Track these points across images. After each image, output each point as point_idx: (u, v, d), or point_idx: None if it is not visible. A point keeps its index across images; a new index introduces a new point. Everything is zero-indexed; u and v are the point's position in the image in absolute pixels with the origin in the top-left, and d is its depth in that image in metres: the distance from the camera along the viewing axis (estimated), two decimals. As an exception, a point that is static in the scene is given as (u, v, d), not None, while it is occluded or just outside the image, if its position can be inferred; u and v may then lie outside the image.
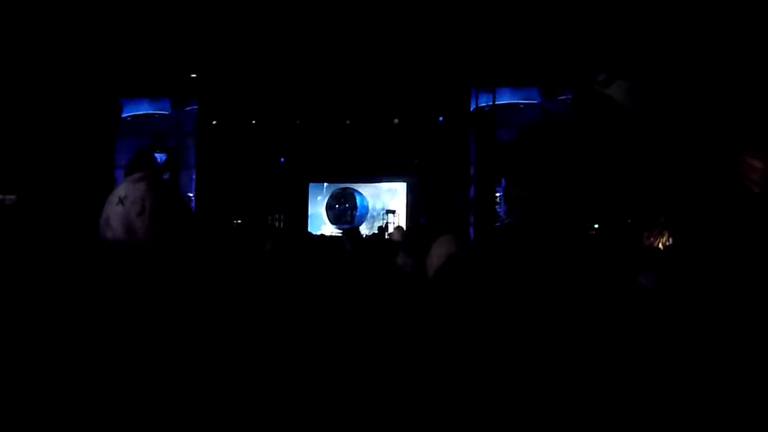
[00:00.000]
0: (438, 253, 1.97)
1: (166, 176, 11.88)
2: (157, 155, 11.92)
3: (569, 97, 10.10)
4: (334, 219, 13.66)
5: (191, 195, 11.78)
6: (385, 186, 13.61)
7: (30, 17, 7.71)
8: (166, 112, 11.95)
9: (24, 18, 7.71)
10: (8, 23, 7.67)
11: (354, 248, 3.34)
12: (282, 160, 12.90)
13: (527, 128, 1.27)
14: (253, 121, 12.02)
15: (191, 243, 1.39)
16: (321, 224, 13.52)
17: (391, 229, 11.62)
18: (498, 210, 9.71)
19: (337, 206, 13.86)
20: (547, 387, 1.05)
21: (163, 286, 1.31)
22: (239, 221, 11.10)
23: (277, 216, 12.76)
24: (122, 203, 1.33)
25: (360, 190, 13.79)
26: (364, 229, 12.94)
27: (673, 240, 3.33)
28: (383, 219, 12.81)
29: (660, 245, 3.65)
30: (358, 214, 13.73)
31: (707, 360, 1.15)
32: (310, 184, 13.79)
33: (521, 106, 10.31)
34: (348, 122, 12.06)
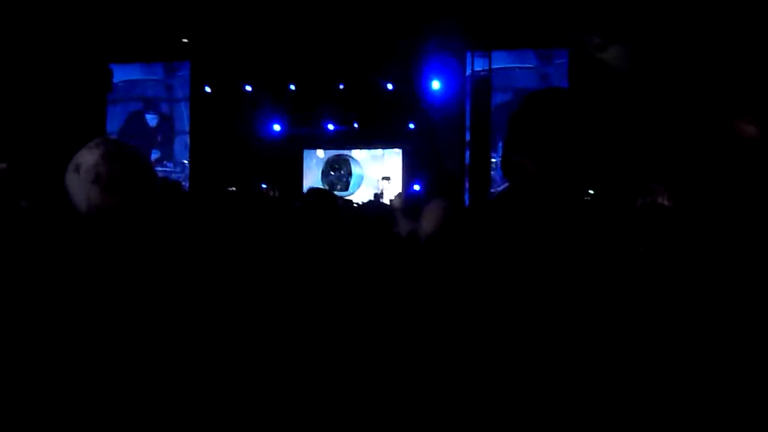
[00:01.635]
0: (429, 218, 1.97)
1: (158, 138, 11.79)
2: (148, 117, 11.79)
3: (565, 61, 10.00)
4: (329, 186, 13.63)
5: (186, 162, 11.69)
6: (380, 152, 13.55)
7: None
8: (158, 78, 11.79)
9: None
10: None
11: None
12: (276, 126, 12.78)
13: (531, 95, 1.25)
14: (247, 87, 11.86)
15: (151, 211, 1.36)
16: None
17: (386, 196, 11.61)
18: (494, 175, 9.69)
19: (332, 173, 13.81)
20: (546, 361, 1.06)
21: (119, 253, 1.29)
22: (233, 188, 11.05)
23: (271, 183, 12.71)
24: (78, 171, 1.30)
25: (355, 156, 13.72)
26: (360, 196, 12.93)
27: (672, 202, 3.33)
28: (379, 186, 12.79)
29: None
30: (353, 180, 13.70)
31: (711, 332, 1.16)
32: (305, 150, 13.72)
33: (517, 70, 10.20)
34: (341, 86, 11.92)
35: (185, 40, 10.83)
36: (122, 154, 1.34)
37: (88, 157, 1.31)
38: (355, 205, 5.13)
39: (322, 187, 13.30)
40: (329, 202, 2.44)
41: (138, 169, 1.36)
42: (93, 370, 1.15)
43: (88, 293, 1.20)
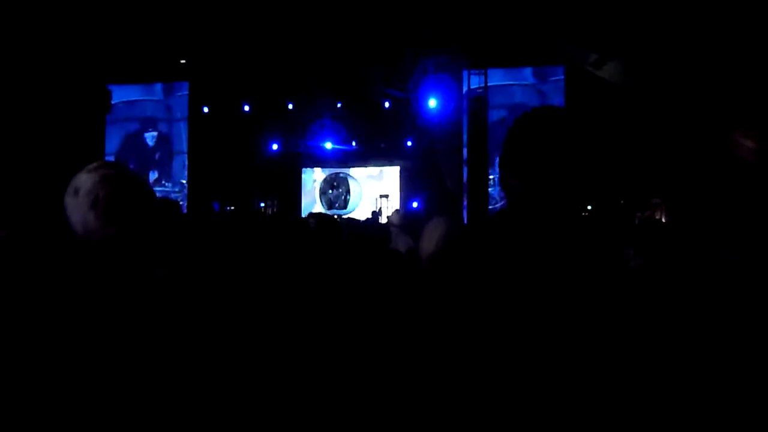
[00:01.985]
0: (431, 236, 1.96)
1: (157, 158, 11.82)
2: (147, 136, 11.83)
3: (562, 77, 10.08)
4: (328, 204, 13.64)
5: (184, 182, 11.71)
6: (378, 170, 13.59)
7: (16, 4, 7.60)
8: (157, 98, 11.86)
9: (10, 5, 7.59)
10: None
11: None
12: (274, 145, 12.82)
13: (522, 117, 1.26)
14: (246, 108, 11.92)
15: (149, 235, 1.34)
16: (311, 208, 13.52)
17: (384, 214, 11.62)
18: (492, 192, 9.70)
19: (330, 191, 13.83)
20: (547, 377, 1.05)
21: (117, 278, 1.27)
22: (232, 207, 11.06)
23: (270, 202, 12.73)
24: (77, 195, 1.28)
25: (353, 174, 13.76)
26: (358, 214, 12.93)
27: (668, 217, 3.34)
28: (377, 203, 12.81)
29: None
30: (351, 198, 13.72)
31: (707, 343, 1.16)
32: (303, 169, 13.76)
33: (514, 86, 10.28)
34: (339, 105, 12.00)
35: (183, 61, 10.90)
36: (122, 179, 1.32)
37: (86, 181, 1.29)
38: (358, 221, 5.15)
39: (320, 205, 13.33)
40: (330, 226, 2.45)
41: (137, 194, 1.33)
42: (81, 401, 1.13)
43: (75, 319, 1.18)
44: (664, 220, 3.92)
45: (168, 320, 1.28)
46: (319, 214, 2.65)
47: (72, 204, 1.28)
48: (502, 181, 1.25)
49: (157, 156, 11.84)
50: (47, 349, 1.14)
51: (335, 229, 2.47)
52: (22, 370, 1.12)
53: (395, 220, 4.93)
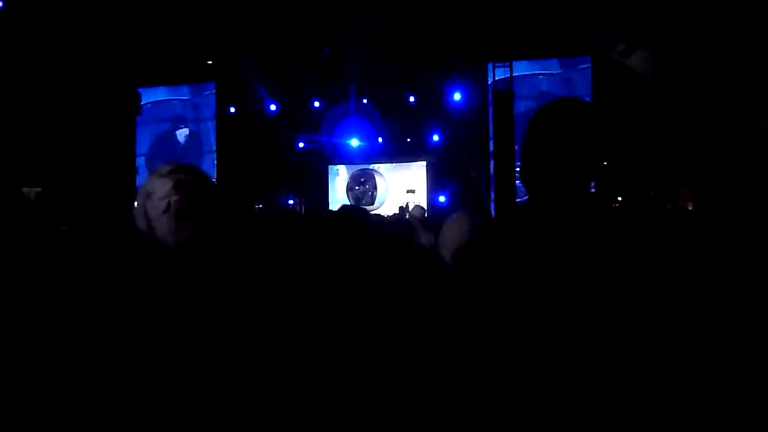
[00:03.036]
0: (451, 232, 1.95)
1: (187, 156, 11.99)
2: (178, 133, 12.01)
3: (589, 65, 9.91)
4: (355, 200, 13.67)
5: (213, 180, 11.85)
6: (404, 165, 13.56)
7: (47, 10, 7.78)
8: (185, 98, 12.04)
9: (42, 12, 7.78)
10: (27, 17, 7.75)
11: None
12: (301, 143, 12.88)
13: (545, 109, 1.25)
14: (272, 107, 12.01)
15: (214, 240, 1.38)
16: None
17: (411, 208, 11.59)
18: (519, 185, 9.62)
19: (357, 188, 13.86)
20: (588, 371, 1.05)
21: (179, 280, 1.31)
22: (261, 205, 11.17)
23: (298, 200, 12.82)
24: (150, 198, 1.33)
25: (379, 170, 13.76)
26: (385, 210, 12.94)
27: (696, 206, 3.28)
28: (404, 199, 12.79)
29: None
30: (378, 194, 13.72)
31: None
32: (329, 166, 13.81)
33: (540, 76, 10.15)
34: (365, 101, 12.02)
35: (210, 62, 11.04)
36: (194, 184, 1.36)
37: (160, 186, 1.33)
38: (385, 216, 5.16)
39: (348, 201, 13.38)
40: (354, 217, 2.45)
41: (208, 200, 1.38)
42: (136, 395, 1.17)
43: (139, 314, 1.22)
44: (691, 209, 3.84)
45: (226, 318, 1.32)
46: (344, 205, 2.64)
47: (144, 207, 1.32)
48: (526, 174, 1.24)
49: (187, 156, 12.01)
50: (108, 342, 1.18)
51: (356, 221, 2.44)
52: (81, 365, 1.17)
53: (417, 214, 4.92)
